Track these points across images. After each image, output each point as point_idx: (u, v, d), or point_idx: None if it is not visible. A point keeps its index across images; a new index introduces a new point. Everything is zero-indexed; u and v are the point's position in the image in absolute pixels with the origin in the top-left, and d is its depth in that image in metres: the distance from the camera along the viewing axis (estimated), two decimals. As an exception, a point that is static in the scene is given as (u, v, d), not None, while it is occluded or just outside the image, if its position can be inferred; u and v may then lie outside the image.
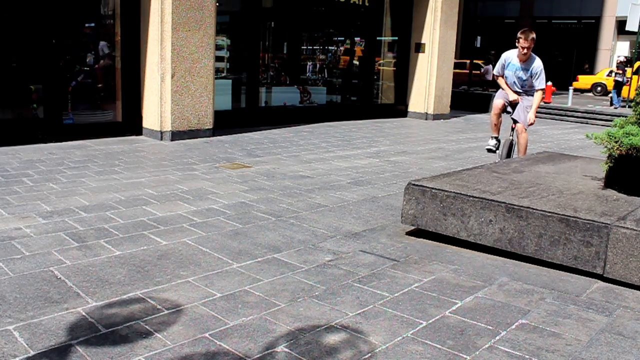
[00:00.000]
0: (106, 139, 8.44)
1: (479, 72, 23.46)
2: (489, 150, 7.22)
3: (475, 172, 5.08)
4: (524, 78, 6.70)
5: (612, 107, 17.97)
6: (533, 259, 3.92)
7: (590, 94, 25.77)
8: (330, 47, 14.66)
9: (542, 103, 6.36)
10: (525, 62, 6.66)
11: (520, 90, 6.79)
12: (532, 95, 6.72)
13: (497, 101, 6.95)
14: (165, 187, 5.72)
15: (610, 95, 18.78)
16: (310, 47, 14.55)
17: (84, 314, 2.90)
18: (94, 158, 7.05)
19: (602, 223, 3.60)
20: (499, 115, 7.02)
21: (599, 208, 3.92)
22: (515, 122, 6.83)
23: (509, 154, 6.95)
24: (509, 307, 3.23)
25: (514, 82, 6.78)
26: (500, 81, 6.94)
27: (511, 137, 6.96)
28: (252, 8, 10.76)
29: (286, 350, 2.64)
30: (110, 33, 9.05)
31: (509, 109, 6.94)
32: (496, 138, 7.15)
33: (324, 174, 6.79)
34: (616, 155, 4.33)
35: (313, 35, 14.39)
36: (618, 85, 18.36)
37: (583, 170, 5.39)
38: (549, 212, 3.80)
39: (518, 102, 6.73)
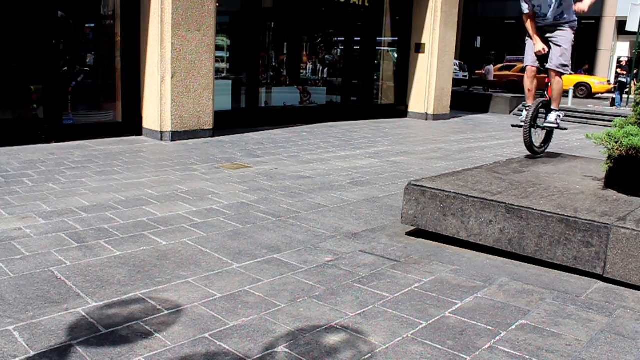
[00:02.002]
0: (106, 139, 8.45)
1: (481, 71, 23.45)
2: (519, 126, 5.79)
3: (475, 172, 5.08)
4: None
5: (614, 107, 17.96)
6: (533, 259, 3.92)
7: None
8: (330, 48, 14.66)
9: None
10: None
11: (556, 21, 5.58)
12: (567, 29, 5.60)
13: (529, 67, 5.80)
14: (165, 187, 5.72)
15: (613, 96, 18.76)
16: (311, 47, 14.54)
17: (84, 314, 2.90)
18: (94, 158, 7.05)
19: (602, 223, 3.60)
20: (533, 78, 5.83)
21: (599, 208, 3.92)
22: (547, 72, 5.74)
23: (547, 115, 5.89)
24: (509, 308, 3.23)
25: (549, 6, 5.55)
26: (529, 24, 5.71)
27: (544, 99, 5.84)
28: (252, 8, 10.76)
29: (286, 350, 2.64)
30: (110, 33, 9.06)
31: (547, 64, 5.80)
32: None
33: (324, 174, 6.79)
34: (616, 156, 4.33)
35: (313, 35, 14.40)
36: (622, 87, 18.33)
37: (583, 170, 5.39)
38: (549, 212, 3.80)
39: (548, 51, 5.66)
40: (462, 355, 2.67)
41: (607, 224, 3.58)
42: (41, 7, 7.81)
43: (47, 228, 4.25)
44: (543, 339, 2.87)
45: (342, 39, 14.39)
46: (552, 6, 5.56)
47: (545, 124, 5.89)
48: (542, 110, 5.92)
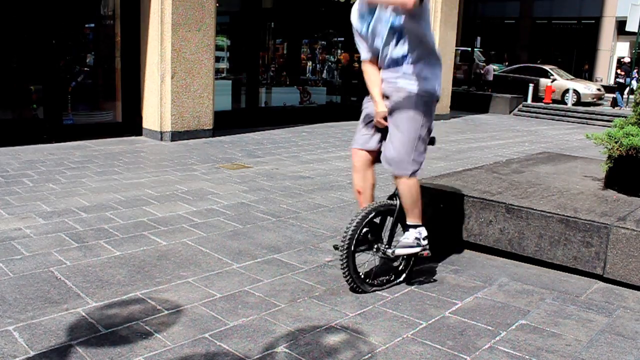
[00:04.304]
0: (106, 140, 8.44)
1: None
2: (337, 247, 3.36)
3: (475, 172, 5.08)
4: (387, 29, 3.16)
5: (616, 108, 17.94)
6: (533, 260, 3.92)
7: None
8: (330, 48, 14.65)
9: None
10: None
11: (394, 67, 3.24)
12: (412, 95, 3.19)
13: (356, 143, 3.46)
14: (165, 187, 5.72)
15: (613, 96, 18.73)
16: (311, 47, 14.54)
17: (83, 314, 2.90)
18: (93, 158, 7.05)
19: (602, 223, 3.60)
20: (365, 169, 3.45)
21: (599, 208, 3.92)
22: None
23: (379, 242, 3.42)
24: (509, 308, 3.23)
25: (382, 52, 3.25)
26: (367, 70, 3.37)
27: (384, 203, 3.41)
28: (252, 8, 10.76)
29: (286, 350, 2.64)
30: (110, 33, 9.06)
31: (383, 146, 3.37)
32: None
33: (324, 174, 6.79)
34: (616, 156, 4.33)
35: (313, 35, 14.39)
36: (621, 87, 18.32)
37: (583, 170, 5.39)
38: (549, 212, 3.80)
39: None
40: (462, 355, 2.67)
41: (607, 224, 3.58)
42: (41, 7, 7.80)
43: (47, 228, 4.25)
44: (543, 339, 2.87)
45: (342, 39, 14.38)
46: (384, 38, 3.21)
47: (398, 249, 3.36)
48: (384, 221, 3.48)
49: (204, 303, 3.10)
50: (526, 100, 18.37)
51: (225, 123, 9.78)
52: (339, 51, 14.40)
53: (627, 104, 17.61)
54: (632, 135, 4.23)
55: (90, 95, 9.41)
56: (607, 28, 29.32)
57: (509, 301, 3.32)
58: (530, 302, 3.32)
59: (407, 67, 3.21)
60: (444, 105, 14.14)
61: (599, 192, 4.45)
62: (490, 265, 3.92)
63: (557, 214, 3.77)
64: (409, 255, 3.46)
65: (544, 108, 17.52)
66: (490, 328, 2.96)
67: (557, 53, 29.94)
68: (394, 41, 3.19)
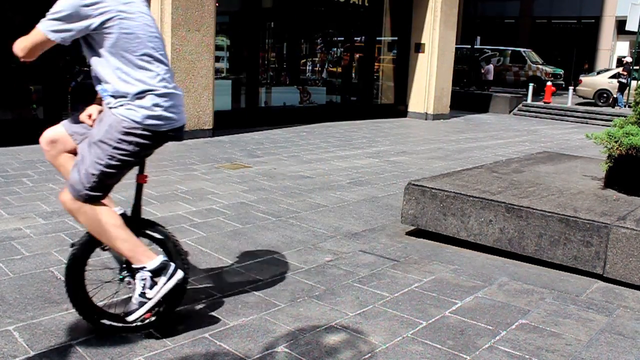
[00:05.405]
0: (106, 139, 8.44)
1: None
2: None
3: (475, 172, 5.08)
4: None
5: (617, 108, 17.91)
6: (533, 259, 3.92)
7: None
8: (330, 48, 14.66)
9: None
10: None
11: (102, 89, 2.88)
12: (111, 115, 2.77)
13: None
14: (165, 187, 5.72)
15: (615, 96, 18.69)
16: (310, 47, 14.54)
17: (84, 314, 2.89)
18: (93, 158, 7.04)
19: (602, 223, 3.60)
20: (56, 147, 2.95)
21: (599, 208, 3.92)
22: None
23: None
24: (509, 307, 3.23)
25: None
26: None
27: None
28: (252, 8, 10.76)
29: (286, 350, 2.64)
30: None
31: None
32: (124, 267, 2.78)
33: (324, 174, 6.79)
34: (616, 155, 4.33)
35: (313, 35, 14.39)
36: (622, 87, 18.28)
37: (583, 170, 5.39)
38: (549, 212, 3.80)
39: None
40: (462, 355, 2.67)
41: (607, 224, 3.58)
42: (41, 7, 7.80)
43: (47, 228, 4.25)
44: (543, 338, 2.87)
45: (342, 39, 14.39)
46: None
47: (128, 316, 2.59)
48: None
49: (204, 303, 3.10)
50: (527, 100, 18.36)
51: (225, 123, 9.78)
52: (339, 51, 14.41)
53: (626, 105, 17.59)
54: (632, 135, 4.23)
55: (90, 96, 9.40)
56: (607, 27, 29.32)
57: (509, 301, 3.32)
58: (530, 301, 3.32)
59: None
60: (443, 105, 14.15)
61: (599, 191, 4.45)
62: (490, 264, 3.92)
63: (557, 214, 3.77)
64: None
65: (544, 107, 17.52)
66: (490, 327, 2.96)
67: (557, 52, 29.94)
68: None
